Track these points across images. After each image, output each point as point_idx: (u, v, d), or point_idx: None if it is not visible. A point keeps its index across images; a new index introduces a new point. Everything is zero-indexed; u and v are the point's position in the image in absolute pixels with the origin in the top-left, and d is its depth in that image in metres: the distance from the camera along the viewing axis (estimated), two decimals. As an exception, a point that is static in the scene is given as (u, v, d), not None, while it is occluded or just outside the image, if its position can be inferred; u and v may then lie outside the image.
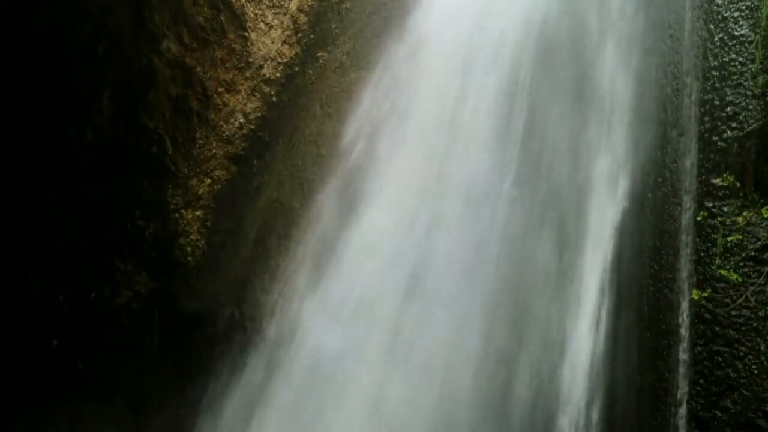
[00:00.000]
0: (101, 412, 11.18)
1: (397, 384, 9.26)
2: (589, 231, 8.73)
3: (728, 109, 8.32)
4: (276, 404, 10.11)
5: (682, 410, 8.12)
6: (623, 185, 8.81)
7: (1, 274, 10.96)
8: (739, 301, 7.60)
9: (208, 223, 11.70)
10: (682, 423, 8.08)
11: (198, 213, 11.74)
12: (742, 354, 7.64)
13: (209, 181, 11.79)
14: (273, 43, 11.87)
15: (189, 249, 11.68)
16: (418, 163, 9.94)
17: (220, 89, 11.62)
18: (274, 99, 11.73)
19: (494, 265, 8.99)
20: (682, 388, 8.12)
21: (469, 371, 8.94)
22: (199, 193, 11.77)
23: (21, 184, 11.09)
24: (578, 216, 8.93)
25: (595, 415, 8.45)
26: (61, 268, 11.18)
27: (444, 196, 9.61)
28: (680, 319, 8.19)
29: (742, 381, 7.61)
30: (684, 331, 8.17)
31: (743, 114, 8.21)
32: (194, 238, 11.74)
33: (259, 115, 11.71)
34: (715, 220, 8.00)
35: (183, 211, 11.70)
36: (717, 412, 7.70)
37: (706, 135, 8.37)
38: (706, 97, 8.47)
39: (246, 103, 11.66)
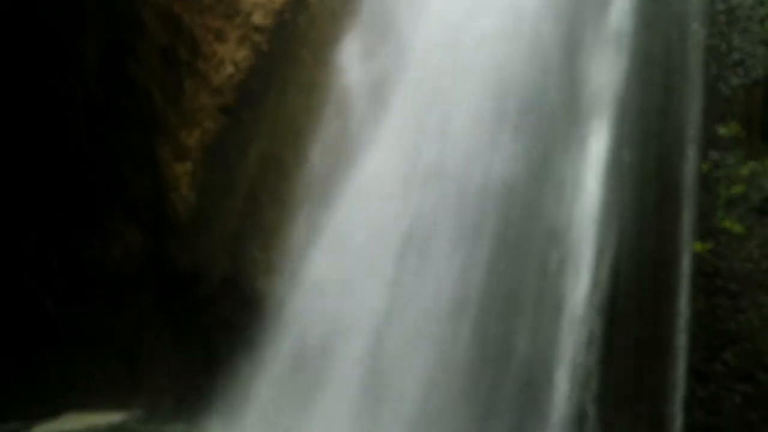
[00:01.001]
0: (96, 370, 11.13)
1: (395, 335, 9.17)
2: (587, 184, 8.50)
3: (735, 55, 8.01)
4: (274, 358, 10.03)
5: (681, 363, 8.03)
6: (626, 132, 8.54)
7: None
8: (743, 253, 7.43)
9: (199, 177, 11.45)
10: (680, 375, 8.00)
11: (188, 166, 11.48)
12: (743, 307, 7.50)
13: (199, 133, 11.49)
14: (262, -12, 11.47)
15: (180, 204, 11.45)
16: (417, 109, 9.64)
17: (209, 38, 11.23)
18: (264, 48, 11.34)
19: (496, 212, 8.76)
20: (682, 342, 8.02)
21: (470, 317, 8.82)
22: (189, 145, 11.48)
23: (11, 141, 10.83)
24: (578, 162, 8.69)
25: (593, 368, 8.37)
26: (52, 225, 10.99)
27: (444, 140, 9.33)
28: (681, 272, 8.04)
29: (742, 334, 7.50)
30: (685, 285, 8.02)
31: (750, 61, 7.91)
32: (185, 192, 11.49)
33: (249, 64, 11.34)
34: (719, 171, 7.77)
35: (173, 164, 11.43)
36: (717, 365, 7.61)
37: (712, 82, 8.08)
38: (712, 42, 8.15)
39: (236, 52, 11.29)
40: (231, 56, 11.36)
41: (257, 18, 11.48)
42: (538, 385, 8.56)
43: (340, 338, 9.41)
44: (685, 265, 8.15)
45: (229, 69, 11.40)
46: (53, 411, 10.90)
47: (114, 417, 11.15)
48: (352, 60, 10.63)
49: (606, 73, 8.78)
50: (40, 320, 10.99)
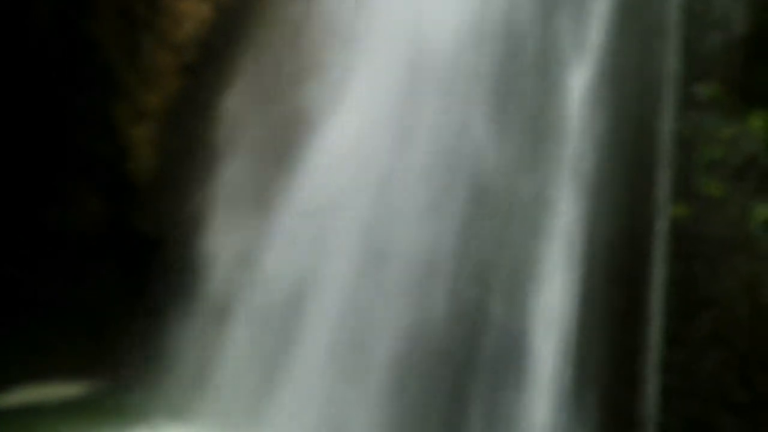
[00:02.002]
0: (58, 340, 10.77)
1: (367, 294, 8.98)
2: (562, 148, 8.30)
3: (715, 12, 7.78)
4: (241, 323, 9.80)
5: (656, 327, 7.98)
6: (602, 93, 8.32)
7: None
8: (721, 218, 7.31)
9: (160, 140, 11.00)
10: (656, 339, 7.95)
11: (148, 128, 10.99)
12: (720, 273, 7.42)
13: (159, 93, 10.99)
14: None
15: (140, 167, 10.99)
16: (390, 70, 9.29)
17: (167, -6, 10.69)
18: (225, 3, 10.83)
19: (469, 176, 8.54)
20: (657, 306, 7.95)
21: (443, 280, 8.66)
22: (149, 106, 10.98)
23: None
24: (551, 124, 8.47)
25: (569, 331, 8.28)
26: (10, 191, 10.48)
27: (415, 103, 9.03)
28: (658, 236, 7.93)
29: (719, 299, 7.43)
30: (661, 249, 7.92)
31: (731, 17, 7.69)
32: (145, 155, 11.02)
33: (211, 20, 10.83)
34: (698, 133, 7.59)
35: (132, 126, 10.94)
36: (692, 329, 7.56)
37: (691, 41, 7.86)
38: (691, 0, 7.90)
39: (196, 8, 10.75)
40: (191, 12, 10.81)
41: (218, -29, 10.94)
42: (515, 348, 8.47)
43: (309, 300, 9.19)
44: (662, 229, 8.04)
45: (190, 25, 10.87)
46: (14, 381, 10.56)
47: (76, 388, 10.84)
48: (321, 17, 10.20)
49: (581, 32, 8.52)
50: (1, 289, 10.57)
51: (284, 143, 10.12)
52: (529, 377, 8.34)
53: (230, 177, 10.57)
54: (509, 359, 8.49)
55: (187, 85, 11.06)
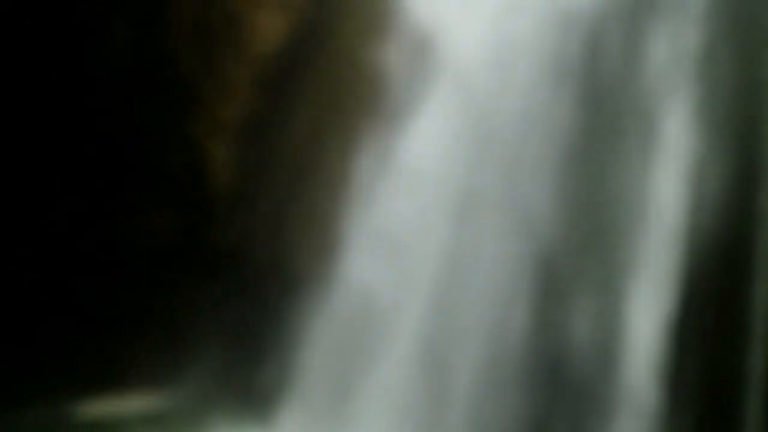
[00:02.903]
0: (133, 351, 10.81)
1: (451, 309, 8.72)
2: (661, 156, 7.90)
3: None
4: (320, 339, 9.64)
5: (757, 350, 7.53)
6: (704, 105, 7.88)
7: (28, 212, 10.45)
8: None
9: (235, 153, 10.97)
10: (757, 363, 7.51)
11: (224, 142, 10.99)
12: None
13: (236, 106, 10.97)
14: (299, -48, 10.86)
15: (216, 181, 10.98)
16: (468, 82, 9.06)
17: (246, 6, 10.67)
18: (303, 16, 10.77)
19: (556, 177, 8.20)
20: (758, 327, 7.51)
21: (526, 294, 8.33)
22: (226, 120, 10.98)
23: (41, 121, 10.42)
24: (649, 137, 8.08)
25: (663, 354, 7.86)
26: (85, 202, 10.60)
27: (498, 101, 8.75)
28: (760, 255, 7.49)
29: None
30: (765, 263, 7.48)
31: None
32: (221, 168, 11.01)
33: (289, 34, 10.78)
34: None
35: (208, 139, 10.94)
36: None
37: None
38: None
39: (274, 22, 10.71)
40: (269, 24, 10.78)
41: (295, -16, 10.90)
42: (602, 370, 8.08)
43: (389, 311, 8.99)
44: (764, 247, 7.59)
45: (267, 38, 10.83)
46: (91, 393, 10.62)
47: (153, 400, 10.85)
48: (400, 28, 10.03)
49: (679, 42, 8.12)
50: (77, 299, 10.65)
51: (361, 156, 9.98)
52: (617, 402, 7.94)
53: (306, 188, 10.47)
54: (596, 382, 8.10)
55: (264, 98, 11.02)
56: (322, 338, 9.56)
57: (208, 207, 10.94)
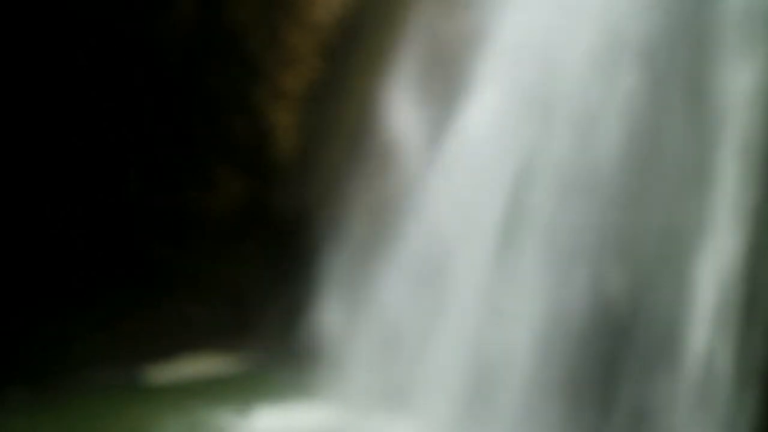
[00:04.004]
0: (202, 313, 11.11)
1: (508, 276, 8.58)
2: (725, 130, 7.46)
3: None
4: (375, 303, 9.67)
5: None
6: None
7: (102, 178, 10.79)
8: None
9: (300, 121, 11.04)
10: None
11: (288, 110, 11.06)
12: None
13: (298, 76, 11.01)
14: None
15: (282, 149, 11.08)
16: (524, 47, 8.79)
17: (305, -23, 10.66)
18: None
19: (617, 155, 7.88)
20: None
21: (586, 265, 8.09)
22: (288, 89, 11.02)
23: (115, 90, 10.72)
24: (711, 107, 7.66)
25: (725, 328, 7.50)
26: (157, 171, 10.88)
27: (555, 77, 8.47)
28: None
29: None
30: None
31: None
32: (286, 136, 11.10)
33: (348, 3, 10.72)
34: None
35: (273, 108, 11.04)
36: None
37: None
38: None
39: (332, -9, 10.67)
40: (329, -5, 10.76)
41: (356, -48, 10.80)
42: (668, 340, 7.78)
43: (447, 282, 8.91)
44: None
45: (329, 7, 10.80)
46: (166, 353, 10.99)
47: (223, 361, 11.14)
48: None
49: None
50: (149, 264, 11.00)
51: (426, 120, 9.88)
52: (682, 373, 7.64)
53: (370, 155, 10.45)
54: (661, 353, 7.81)
55: (327, 67, 11.02)
56: (384, 300, 9.59)
57: (273, 174, 11.09)
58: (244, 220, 11.22)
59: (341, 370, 9.95)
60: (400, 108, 10.39)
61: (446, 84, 9.81)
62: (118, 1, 10.43)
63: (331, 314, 10.34)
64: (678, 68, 7.91)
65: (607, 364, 8.06)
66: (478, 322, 8.83)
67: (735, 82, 7.46)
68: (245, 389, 10.02)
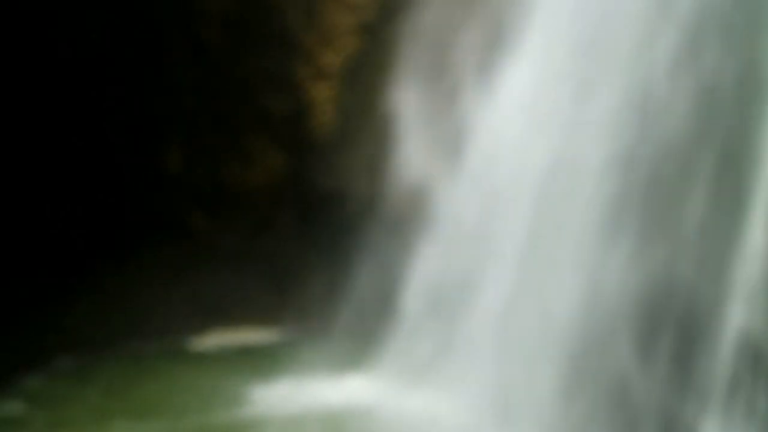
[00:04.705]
0: (243, 286, 11.26)
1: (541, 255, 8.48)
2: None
3: None
4: (416, 279, 9.66)
5: None
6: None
7: (143, 147, 10.96)
8: None
9: (338, 97, 11.06)
10: None
11: (327, 87, 11.07)
12: None
13: (337, 52, 11.02)
14: None
15: (319, 124, 11.12)
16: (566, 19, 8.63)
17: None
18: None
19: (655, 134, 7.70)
20: None
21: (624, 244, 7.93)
22: (327, 65, 11.04)
23: (155, 67, 10.88)
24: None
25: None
26: (197, 143, 11.04)
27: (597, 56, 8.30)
28: None
29: None
30: None
31: None
32: (324, 112, 11.14)
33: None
34: None
35: (311, 85, 11.09)
36: None
37: None
38: None
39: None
40: (368, -28, 10.72)
41: (396, -72, 10.72)
42: (706, 318, 7.60)
43: (485, 256, 8.84)
44: None
45: (367, -16, 10.79)
46: (204, 326, 11.18)
47: (260, 335, 11.30)
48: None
49: None
50: (190, 238, 11.18)
51: (459, 95, 9.80)
52: (721, 352, 7.46)
53: (407, 129, 10.42)
54: (699, 331, 7.64)
55: (365, 43, 11.01)
56: (421, 276, 9.58)
57: (311, 148, 11.15)
58: (283, 194, 11.31)
59: (377, 345, 9.98)
60: (439, 86, 10.33)
61: (486, 57, 9.70)
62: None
63: (368, 289, 10.37)
64: (732, 45, 7.68)
65: (646, 341, 7.91)
66: (517, 297, 8.75)
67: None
68: (280, 360, 10.12)
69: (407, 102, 10.44)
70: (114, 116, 10.48)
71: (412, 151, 10.27)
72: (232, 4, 10.84)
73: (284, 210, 11.38)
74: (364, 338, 9.97)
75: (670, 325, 7.78)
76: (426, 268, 9.65)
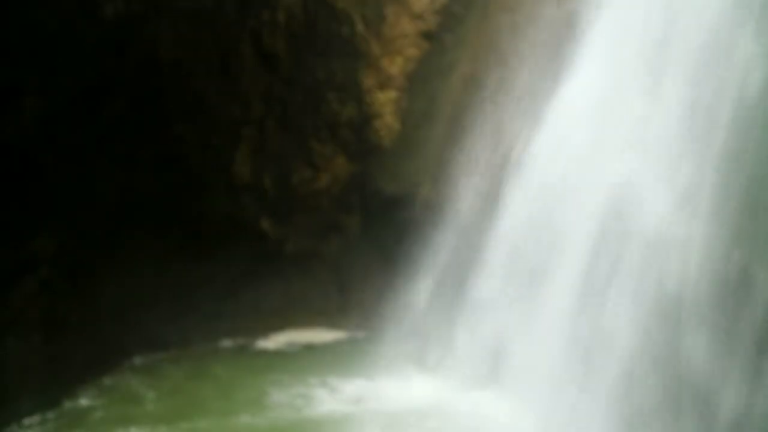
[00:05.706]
0: (308, 288, 11.37)
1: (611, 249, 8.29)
2: None
3: None
4: (481, 280, 9.58)
5: None
6: None
7: (214, 154, 11.13)
8: None
9: (402, 104, 11.13)
10: None
11: (391, 93, 11.15)
12: None
13: (401, 60, 11.08)
14: None
15: (384, 130, 11.18)
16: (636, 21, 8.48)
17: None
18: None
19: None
20: None
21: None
22: (392, 72, 11.12)
23: (224, 78, 11.06)
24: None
25: None
26: (265, 150, 11.21)
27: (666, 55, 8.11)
28: None
29: None
30: None
31: None
32: (389, 119, 11.21)
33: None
34: None
35: (376, 92, 11.18)
36: None
37: None
38: None
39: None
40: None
41: (458, -63, 10.79)
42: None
43: (553, 259, 8.71)
44: None
45: (432, -6, 10.85)
46: (271, 326, 11.32)
47: (326, 335, 11.39)
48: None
49: None
50: (260, 243, 11.34)
51: (526, 99, 9.73)
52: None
53: (471, 135, 10.40)
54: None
55: (429, 51, 11.08)
56: (482, 280, 9.50)
57: (376, 154, 11.22)
58: (348, 199, 11.40)
59: (440, 347, 9.92)
60: (503, 91, 10.28)
61: (550, 64, 9.63)
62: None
63: (432, 293, 10.33)
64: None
65: (719, 341, 7.61)
66: (577, 301, 8.58)
67: None
68: (345, 360, 10.20)
69: (472, 108, 10.43)
70: (187, 125, 10.71)
71: (477, 155, 10.24)
72: (299, 14, 11.03)
73: (349, 214, 11.48)
74: (427, 339, 9.95)
75: (745, 333, 7.48)
76: (489, 275, 9.57)
